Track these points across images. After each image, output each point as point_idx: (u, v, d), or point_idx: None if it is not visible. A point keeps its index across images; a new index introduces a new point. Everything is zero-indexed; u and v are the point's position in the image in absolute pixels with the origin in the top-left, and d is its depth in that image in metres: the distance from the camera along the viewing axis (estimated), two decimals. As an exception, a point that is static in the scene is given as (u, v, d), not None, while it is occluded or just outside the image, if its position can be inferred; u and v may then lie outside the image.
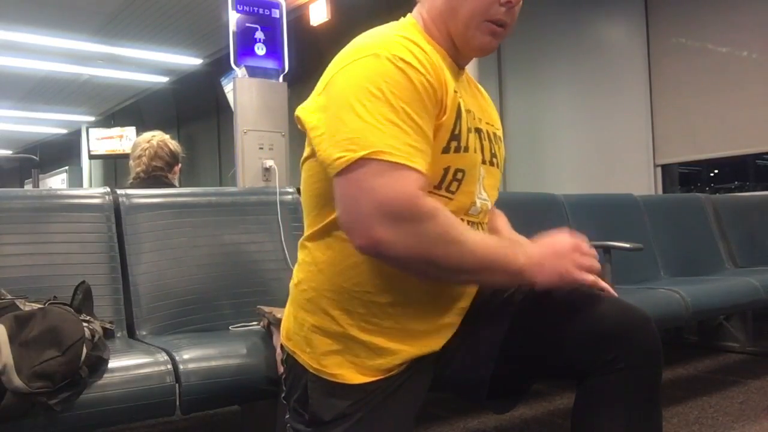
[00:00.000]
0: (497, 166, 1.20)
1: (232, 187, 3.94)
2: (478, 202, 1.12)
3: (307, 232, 1.14)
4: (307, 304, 1.11)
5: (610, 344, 1.00)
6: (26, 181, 11.10)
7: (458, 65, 1.16)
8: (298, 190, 2.23)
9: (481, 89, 1.29)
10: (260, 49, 4.24)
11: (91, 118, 11.44)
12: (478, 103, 1.21)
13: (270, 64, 4.27)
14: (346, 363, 1.06)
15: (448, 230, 0.96)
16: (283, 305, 1.66)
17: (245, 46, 4.20)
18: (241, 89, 4.07)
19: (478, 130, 1.14)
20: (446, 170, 1.04)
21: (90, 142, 10.35)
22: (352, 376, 1.05)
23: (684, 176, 5.05)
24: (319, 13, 6.33)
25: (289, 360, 1.14)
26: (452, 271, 0.98)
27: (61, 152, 13.26)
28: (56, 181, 11.87)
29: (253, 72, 4.18)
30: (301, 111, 1.07)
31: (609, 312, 1.03)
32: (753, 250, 3.34)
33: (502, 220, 1.35)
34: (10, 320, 1.19)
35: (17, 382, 1.11)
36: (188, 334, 1.73)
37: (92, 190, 1.93)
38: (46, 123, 11.77)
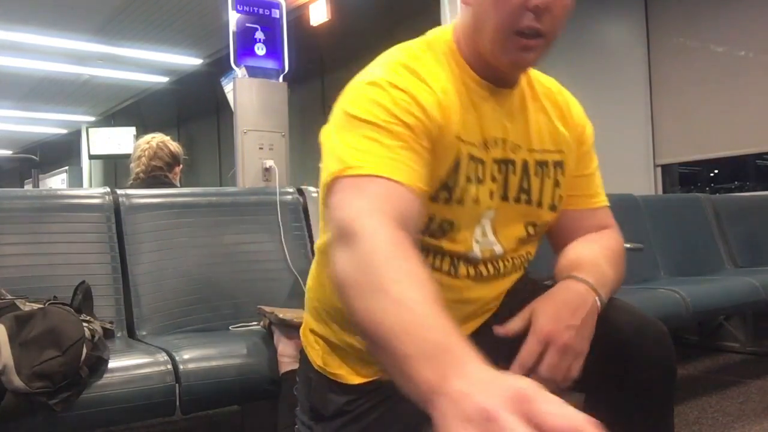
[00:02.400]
0: (528, 202, 1.03)
1: (232, 187, 3.94)
2: (477, 248, 0.99)
3: (319, 239, 1.11)
4: (313, 311, 1.14)
5: (624, 357, 0.92)
6: (26, 181, 11.09)
7: (498, 84, 1.00)
8: (299, 190, 2.24)
9: (552, 100, 1.09)
10: (260, 49, 4.24)
11: (91, 118, 11.44)
12: (526, 124, 1.04)
13: (270, 64, 4.27)
14: (347, 366, 1.07)
15: (373, 267, 0.69)
16: (283, 305, 1.67)
17: (245, 46, 4.20)
18: (241, 89, 4.07)
19: (505, 162, 1.00)
20: (431, 219, 0.95)
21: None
22: (353, 377, 1.07)
23: (684, 176, 5.04)
24: (319, 13, 6.34)
25: (302, 354, 1.18)
26: (353, 323, 0.69)
27: (61, 152, 13.26)
28: (56, 181, 11.86)
29: (253, 72, 4.18)
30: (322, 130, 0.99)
31: (624, 323, 0.95)
32: (753, 250, 3.34)
33: (579, 251, 1.04)
34: (10, 320, 1.19)
35: (17, 382, 1.12)
36: (188, 334, 1.73)
37: (92, 190, 1.93)
38: (46, 123, 11.77)
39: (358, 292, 0.68)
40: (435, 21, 5.25)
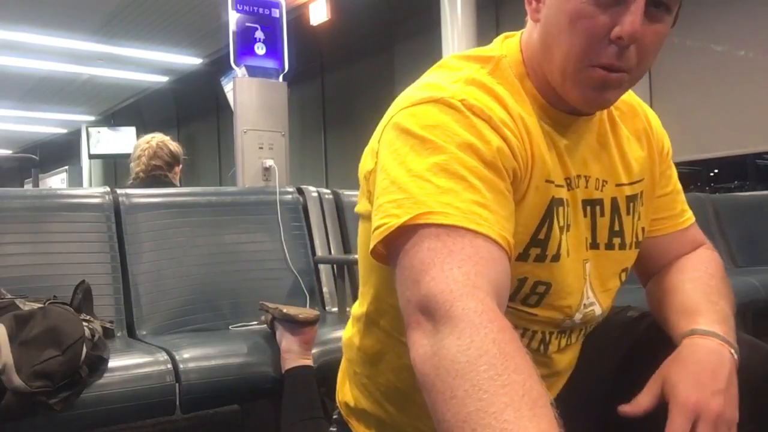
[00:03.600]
0: (622, 246, 0.88)
1: (232, 186, 3.95)
2: (578, 317, 0.85)
3: (359, 303, 0.95)
4: (362, 388, 0.96)
5: (750, 401, 0.77)
6: (26, 180, 11.10)
7: (572, 112, 0.82)
8: (298, 190, 2.24)
9: (632, 116, 0.91)
10: (260, 49, 4.24)
11: (91, 118, 11.46)
12: (610, 155, 0.87)
13: (270, 63, 4.27)
14: None
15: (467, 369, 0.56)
16: (282, 303, 1.66)
17: (245, 46, 4.20)
18: (241, 89, 4.08)
19: (591, 203, 0.85)
20: (522, 281, 0.79)
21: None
22: None
23: (684, 176, 5.04)
24: (319, 13, 6.34)
25: (339, 421, 1.03)
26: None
27: (61, 152, 13.27)
28: (56, 181, 11.87)
29: (253, 72, 4.18)
30: (366, 151, 0.85)
31: (755, 363, 0.80)
32: (753, 250, 3.33)
33: (684, 288, 0.88)
34: (10, 320, 1.19)
35: (17, 381, 1.11)
36: (188, 334, 1.73)
37: (92, 190, 1.93)
38: (46, 123, 11.78)
39: (454, 404, 0.54)
40: (435, 21, 5.25)
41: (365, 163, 0.82)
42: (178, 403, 1.33)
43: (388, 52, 7.01)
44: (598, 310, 0.87)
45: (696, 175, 5.58)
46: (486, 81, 0.78)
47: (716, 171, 5.68)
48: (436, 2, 5.18)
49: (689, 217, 0.97)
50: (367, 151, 0.83)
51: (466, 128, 0.72)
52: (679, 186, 0.98)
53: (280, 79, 4.30)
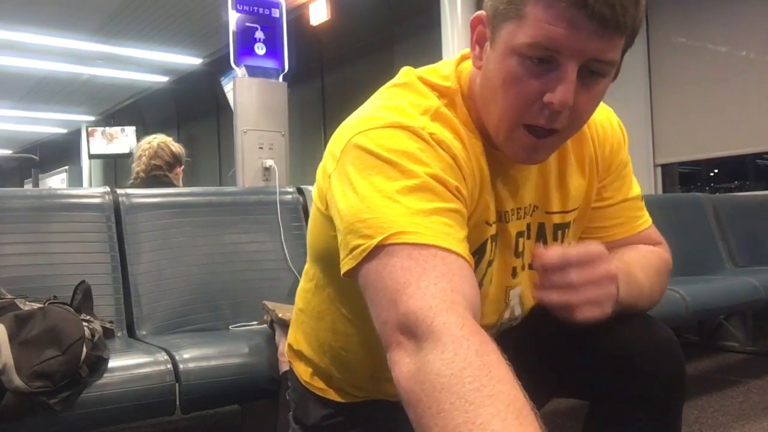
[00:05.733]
0: None
1: (232, 186, 3.95)
2: (493, 330, 0.94)
3: (310, 264, 1.03)
4: (305, 335, 1.08)
5: (630, 370, 0.86)
6: (26, 180, 11.10)
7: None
8: (298, 190, 2.24)
9: (578, 139, 0.92)
10: (260, 49, 4.25)
11: (91, 118, 11.46)
12: (545, 185, 0.91)
13: (270, 63, 4.28)
14: (333, 387, 1.04)
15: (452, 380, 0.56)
16: (283, 303, 1.66)
17: (245, 46, 4.20)
18: (241, 89, 4.08)
19: (521, 233, 0.91)
20: None
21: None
22: (337, 397, 1.04)
23: (684, 176, 5.05)
24: (319, 13, 6.35)
25: (290, 365, 1.15)
26: None
27: (61, 152, 13.27)
28: (56, 181, 11.86)
29: (253, 72, 4.19)
30: (320, 169, 0.87)
31: (632, 332, 0.87)
32: (753, 250, 3.34)
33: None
34: (9, 320, 1.20)
35: (17, 381, 1.12)
36: (188, 334, 1.73)
37: (92, 190, 1.93)
38: (46, 123, 11.78)
39: (441, 417, 0.54)
40: (435, 21, 5.25)
41: (326, 167, 0.83)
42: (178, 403, 1.33)
43: (388, 52, 7.01)
44: (520, 318, 0.96)
45: (696, 175, 5.59)
46: (450, 116, 0.81)
47: (716, 171, 5.69)
48: (436, 2, 5.18)
49: (643, 221, 1.00)
50: (326, 160, 0.83)
51: (433, 160, 0.75)
52: (636, 193, 1.01)
53: (280, 79, 4.30)
